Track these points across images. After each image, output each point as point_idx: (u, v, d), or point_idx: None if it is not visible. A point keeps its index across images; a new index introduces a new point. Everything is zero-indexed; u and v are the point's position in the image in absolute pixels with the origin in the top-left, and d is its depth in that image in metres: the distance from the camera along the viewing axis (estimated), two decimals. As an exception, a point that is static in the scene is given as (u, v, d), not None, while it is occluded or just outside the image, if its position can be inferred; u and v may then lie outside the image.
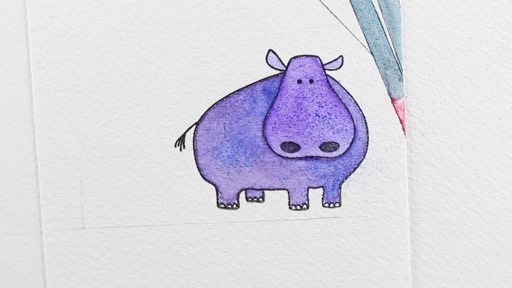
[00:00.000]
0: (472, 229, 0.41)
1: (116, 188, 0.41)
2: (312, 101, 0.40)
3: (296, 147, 0.40)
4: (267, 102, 0.40)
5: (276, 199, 0.41)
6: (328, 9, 0.40)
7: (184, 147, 0.41)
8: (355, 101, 0.40)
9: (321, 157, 0.40)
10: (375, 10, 0.40)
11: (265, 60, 0.40)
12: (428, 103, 0.40)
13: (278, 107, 0.40)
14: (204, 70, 0.40)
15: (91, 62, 0.40)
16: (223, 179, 0.41)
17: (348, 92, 0.40)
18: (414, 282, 0.41)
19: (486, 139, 0.40)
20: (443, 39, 0.40)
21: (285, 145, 0.40)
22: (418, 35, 0.40)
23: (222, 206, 0.41)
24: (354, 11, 0.40)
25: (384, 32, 0.40)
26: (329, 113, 0.40)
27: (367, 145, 0.40)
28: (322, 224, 0.41)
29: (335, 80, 0.40)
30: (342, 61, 0.40)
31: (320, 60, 0.40)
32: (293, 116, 0.40)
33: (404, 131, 0.40)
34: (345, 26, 0.40)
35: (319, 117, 0.40)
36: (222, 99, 0.40)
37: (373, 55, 0.40)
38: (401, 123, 0.40)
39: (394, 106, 0.40)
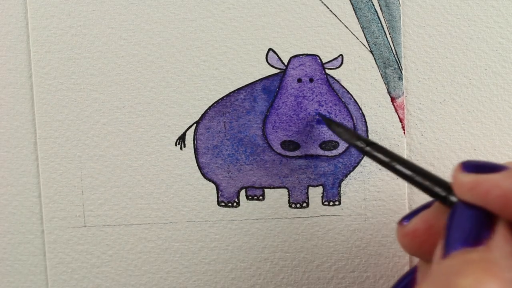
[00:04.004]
0: (471, 227, 0.41)
1: (117, 186, 0.41)
2: (312, 100, 0.40)
3: (296, 145, 0.40)
4: (267, 101, 0.40)
5: (276, 197, 0.41)
6: (328, 8, 0.40)
7: (184, 146, 0.41)
8: (354, 100, 0.40)
9: (321, 155, 0.41)
10: (375, 9, 0.40)
11: (265, 59, 0.40)
12: (428, 102, 0.40)
13: (278, 106, 0.40)
14: (204, 69, 0.40)
15: (92, 61, 0.40)
16: (223, 178, 0.41)
17: (347, 91, 0.40)
18: (413, 280, 0.42)
19: (485, 138, 0.40)
20: (443, 38, 0.40)
21: (285, 144, 0.40)
22: (418, 34, 0.40)
23: (223, 204, 0.41)
24: (354, 10, 0.40)
25: (384, 31, 0.40)
26: (329, 112, 0.40)
27: (366, 144, 0.40)
28: (321, 222, 0.41)
29: (335, 79, 0.40)
30: (342, 60, 0.40)
31: (320, 59, 0.40)
32: (293, 115, 0.40)
33: (403, 130, 0.40)
34: (345, 25, 0.40)
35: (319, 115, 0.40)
36: (223, 98, 0.41)
37: (373, 54, 0.40)
38: (401, 122, 0.40)
39: (393, 105, 0.40)
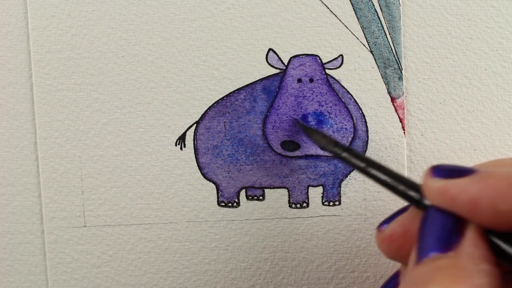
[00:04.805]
0: (471, 227, 0.41)
1: (117, 186, 0.41)
2: (312, 100, 0.40)
3: (296, 145, 0.40)
4: (267, 101, 0.41)
5: (276, 198, 0.41)
6: (328, 8, 0.40)
7: (184, 146, 0.41)
8: (354, 100, 0.40)
9: (321, 155, 0.41)
10: (375, 9, 0.40)
11: (265, 59, 0.40)
12: (428, 102, 0.40)
13: (278, 106, 0.40)
14: (204, 69, 0.40)
15: (92, 61, 0.40)
16: (223, 178, 0.41)
17: (348, 91, 0.40)
18: (413, 280, 0.42)
19: (485, 139, 0.40)
20: (443, 39, 0.40)
21: (285, 144, 0.40)
22: (418, 34, 0.40)
23: (223, 204, 0.41)
24: (354, 10, 0.40)
25: (384, 31, 0.40)
26: (329, 112, 0.40)
27: (366, 144, 0.40)
28: (321, 222, 0.41)
29: (335, 79, 0.40)
30: (342, 60, 0.40)
31: (320, 59, 0.40)
32: (293, 115, 0.40)
33: (403, 130, 0.40)
34: (345, 25, 0.40)
35: (319, 116, 0.40)
36: (223, 98, 0.41)
37: (373, 54, 0.40)
38: (401, 122, 0.40)
39: (393, 105, 0.40)
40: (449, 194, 0.25)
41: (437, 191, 0.26)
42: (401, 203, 0.40)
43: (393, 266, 0.41)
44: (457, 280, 0.23)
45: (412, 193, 0.29)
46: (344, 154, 0.35)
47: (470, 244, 0.24)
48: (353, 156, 0.34)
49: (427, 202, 0.28)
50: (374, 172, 0.32)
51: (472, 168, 0.26)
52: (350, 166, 0.41)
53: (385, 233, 0.30)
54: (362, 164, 0.33)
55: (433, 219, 0.26)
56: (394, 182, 0.30)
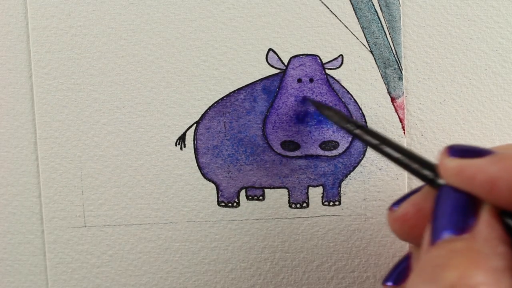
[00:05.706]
0: (471, 227, 0.41)
1: (117, 186, 0.41)
2: (312, 100, 0.40)
3: (296, 146, 0.40)
4: (267, 101, 0.41)
5: (276, 198, 0.41)
6: (328, 8, 0.40)
7: (184, 146, 0.41)
8: (354, 100, 0.40)
9: (321, 155, 0.41)
10: (375, 9, 0.40)
11: (265, 59, 0.40)
12: (428, 102, 0.40)
13: (278, 106, 0.40)
14: (204, 69, 0.40)
15: (92, 61, 0.40)
16: (223, 178, 0.41)
17: (347, 91, 0.40)
18: (413, 280, 0.42)
19: (485, 139, 0.40)
20: (443, 39, 0.40)
21: (285, 144, 0.40)
22: (418, 34, 0.40)
23: (223, 204, 0.41)
24: (354, 10, 0.40)
25: (384, 31, 0.40)
26: (329, 112, 0.40)
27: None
28: (321, 222, 0.41)
29: (335, 79, 0.40)
30: (342, 60, 0.40)
31: (320, 59, 0.40)
32: (293, 115, 0.40)
33: (403, 130, 0.40)
34: (345, 25, 0.40)
35: (319, 116, 0.40)
36: (223, 98, 0.41)
37: (373, 54, 0.40)
38: (401, 122, 0.40)
39: (393, 105, 0.40)
40: (467, 174, 0.25)
41: (454, 170, 0.26)
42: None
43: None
44: (474, 264, 0.22)
45: (426, 172, 0.29)
46: (357, 131, 0.34)
47: (486, 226, 0.24)
48: (366, 133, 0.34)
49: (441, 181, 0.28)
50: (388, 149, 0.31)
51: (489, 149, 0.26)
52: (351, 165, 0.41)
53: (398, 212, 0.30)
54: (375, 142, 0.32)
55: (447, 199, 0.26)
56: (408, 160, 0.30)
